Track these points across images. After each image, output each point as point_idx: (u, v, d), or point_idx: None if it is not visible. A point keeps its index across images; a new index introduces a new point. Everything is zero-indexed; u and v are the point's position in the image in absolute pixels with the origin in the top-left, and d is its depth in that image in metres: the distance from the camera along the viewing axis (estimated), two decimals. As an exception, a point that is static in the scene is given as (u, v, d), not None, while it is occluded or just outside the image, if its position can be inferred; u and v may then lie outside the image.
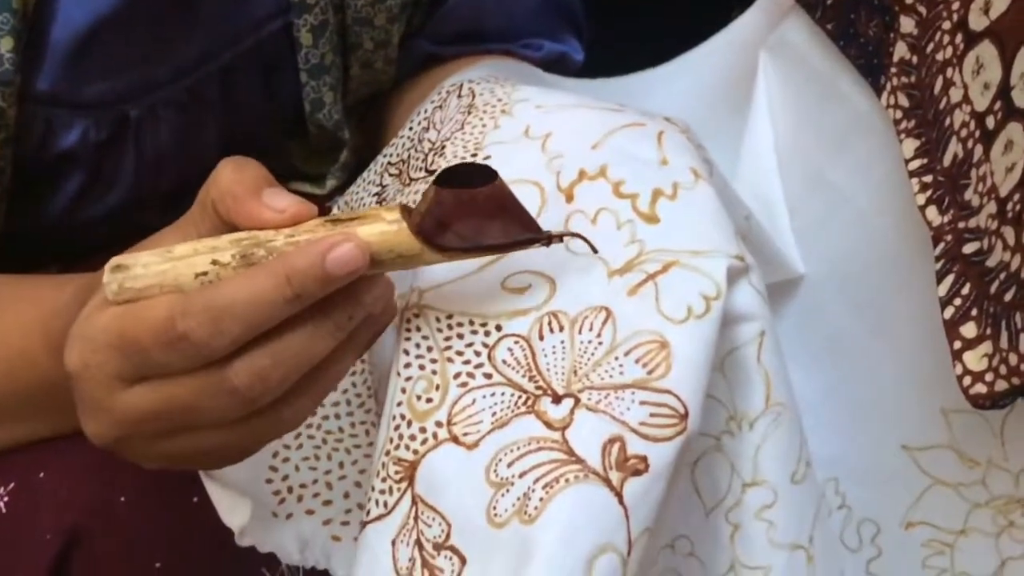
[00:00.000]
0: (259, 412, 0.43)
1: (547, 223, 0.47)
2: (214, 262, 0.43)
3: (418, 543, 0.44)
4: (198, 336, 0.41)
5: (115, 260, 0.43)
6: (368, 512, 0.46)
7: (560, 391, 0.45)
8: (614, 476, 0.43)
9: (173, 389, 0.42)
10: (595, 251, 0.46)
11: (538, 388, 0.45)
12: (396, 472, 0.45)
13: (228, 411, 0.43)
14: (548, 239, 0.45)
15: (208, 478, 0.54)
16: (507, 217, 0.43)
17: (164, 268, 0.43)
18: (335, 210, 0.62)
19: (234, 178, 0.44)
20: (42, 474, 0.56)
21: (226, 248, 0.43)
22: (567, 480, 0.42)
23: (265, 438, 0.46)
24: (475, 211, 0.43)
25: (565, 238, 0.46)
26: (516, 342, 0.46)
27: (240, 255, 0.43)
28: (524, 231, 0.44)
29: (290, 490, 0.55)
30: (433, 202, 0.43)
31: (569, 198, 0.48)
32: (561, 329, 0.46)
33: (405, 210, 0.44)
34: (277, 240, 0.43)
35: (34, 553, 0.55)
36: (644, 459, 0.43)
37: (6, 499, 0.57)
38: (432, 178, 0.43)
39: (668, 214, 0.48)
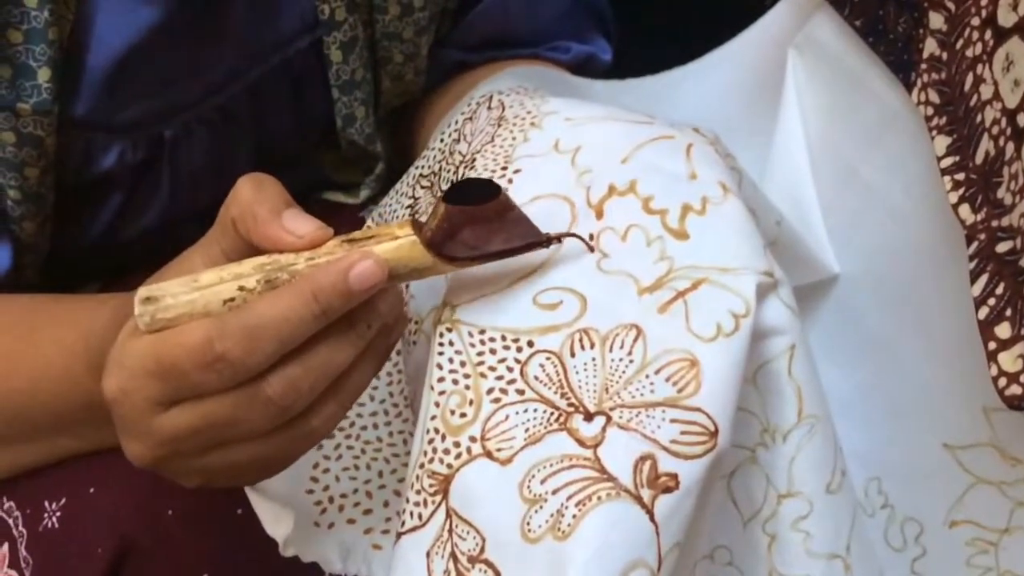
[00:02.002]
0: (291, 422, 0.45)
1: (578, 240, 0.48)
2: (240, 288, 0.44)
3: (453, 556, 0.44)
4: (235, 355, 0.43)
5: (143, 292, 0.45)
6: (403, 523, 0.46)
7: (592, 408, 0.45)
8: (645, 493, 0.43)
9: (210, 407, 0.44)
10: (592, 249, 0.48)
11: (570, 405, 0.45)
12: (430, 485, 0.46)
13: (263, 422, 0.44)
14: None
15: (251, 490, 0.55)
16: (510, 226, 0.46)
17: (193, 297, 0.44)
18: (368, 221, 0.63)
19: (254, 198, 0.45)
20: (92, 489, 0.58)
21: (250, 274, 0.45)
22: (599, 498, 0.43)
23: (297, 449, 0.47)
24: (481, 222, 0.46)
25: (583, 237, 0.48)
26: (548, 358, 0.46)
27: (264, 280, 0.45)
28: (526, 237, 0.47)
29: (331, 500, 0.56)
30: (443, 218, 0.45)
31: (599, 215, 0.49)
32: (592, 346, 0.46)
33: (416, 225, 0.46)
34: (299, 263, 0.45)
35: (86, 567, 0.56)
36: (675, 476, 0.43)
37: (58, 514, 0.58)
38: (440, 195, 0.46)
39: (697, 230, 0.48)
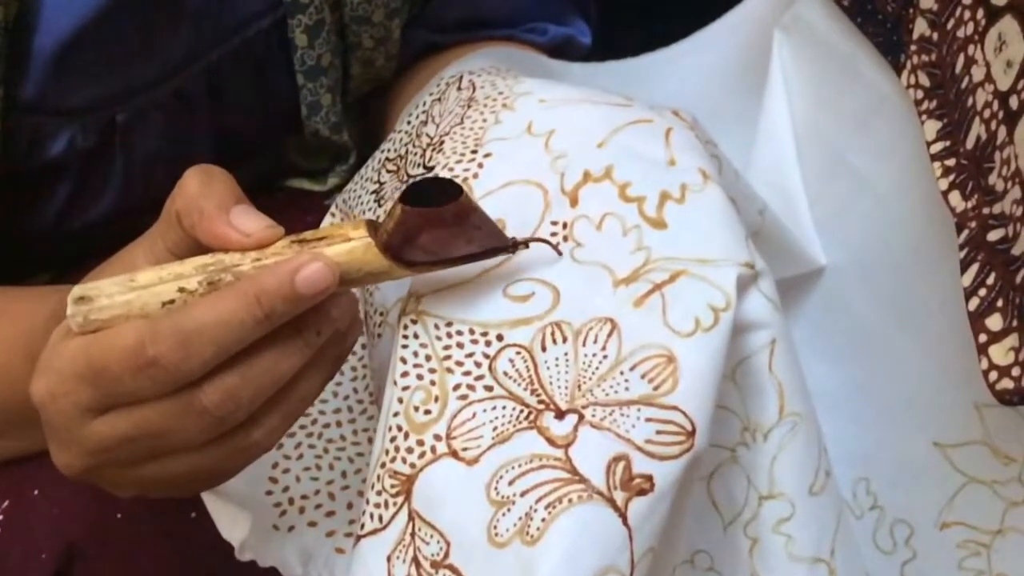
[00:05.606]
0: (230, 434, 0.43)
1: (551, 228, 0.46)
2: (180, 289, 0.42)
3: (415, 560, 0.42)
4: (169, 360, 0.40)
5: (77, 291, 0.42)
6: (363, 525, 0.44)
7: (563, 406, 0.43)
8: (618, 496, 0.41)
9: (143, 414, 0.42)
10: (560, 254, 0.46)
11: (540, 402, 0.43)
12: (392, 486, 0.44)
13: (199, 433, 0.42)
14: (514, 247, 0.45)
15: (206, 492, 0.52)
16: (473, 230, 0.44)
17: (129, 298, 0.42)
18: (332, 208, 0.61)
19: (201, 191, 0.43)
20: (37, 492, 0.56)
21: (192, 275, 0.42)
22: (570, 500, 0.41)
23: (238, 461, 0.45)
24: (441, 226, 0.43)
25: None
26: (518, 353, 0.44)
27: (207, 281, 0.42)
28: (490, 242, 0.44)
29: (291, 501, 0.54)
30: (399, 220, 0.43)
31: (574, 202, 0.47)
32: (564, 340, 0.44)
33: (371, 226, 0.43)
34: (244, 264, 0.43)
35: (31, 573, 0.54)
36: (649, 478, 0.41)
37: (0, 518, 0.56)
38: (398, 195, 0.43)
39: (676, 219, 0.46)
